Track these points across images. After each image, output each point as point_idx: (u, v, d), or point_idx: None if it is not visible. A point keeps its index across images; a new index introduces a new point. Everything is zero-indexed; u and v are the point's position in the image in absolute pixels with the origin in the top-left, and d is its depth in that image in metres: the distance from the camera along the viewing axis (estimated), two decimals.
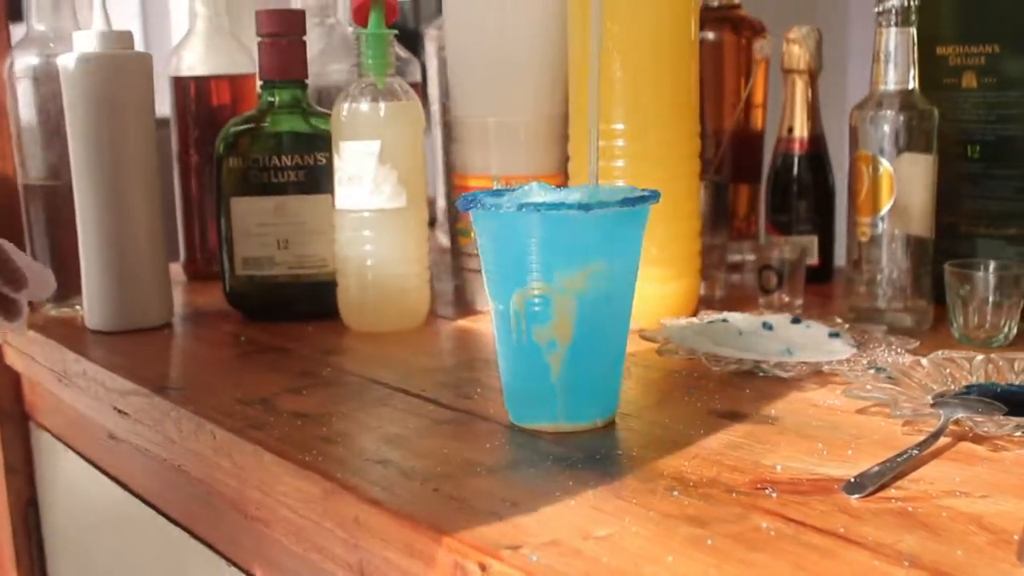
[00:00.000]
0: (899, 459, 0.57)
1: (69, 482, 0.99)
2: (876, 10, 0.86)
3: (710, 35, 1.09)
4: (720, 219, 1.02)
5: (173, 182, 1.17)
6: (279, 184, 0.95)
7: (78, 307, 1.00)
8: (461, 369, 0.80)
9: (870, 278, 0.88)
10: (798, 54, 1.04)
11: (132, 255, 0.93)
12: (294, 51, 0.96)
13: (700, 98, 0.94)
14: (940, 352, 0.74)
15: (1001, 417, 0.62)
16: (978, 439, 0.62)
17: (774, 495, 0.54)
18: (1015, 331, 0.83)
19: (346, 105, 0.90)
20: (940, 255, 0.89)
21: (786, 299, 0.95)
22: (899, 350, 0.76)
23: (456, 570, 0.50)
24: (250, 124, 0.96)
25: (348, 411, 0.70)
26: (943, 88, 0.91)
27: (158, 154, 0.96)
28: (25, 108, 1.00)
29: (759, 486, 0.56)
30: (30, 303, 1.01)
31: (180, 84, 1.16)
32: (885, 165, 0.86)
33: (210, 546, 0.76)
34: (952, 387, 0.70)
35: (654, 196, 0.64)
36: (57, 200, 1.00)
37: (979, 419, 0.61)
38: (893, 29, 0.86)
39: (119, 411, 0.81)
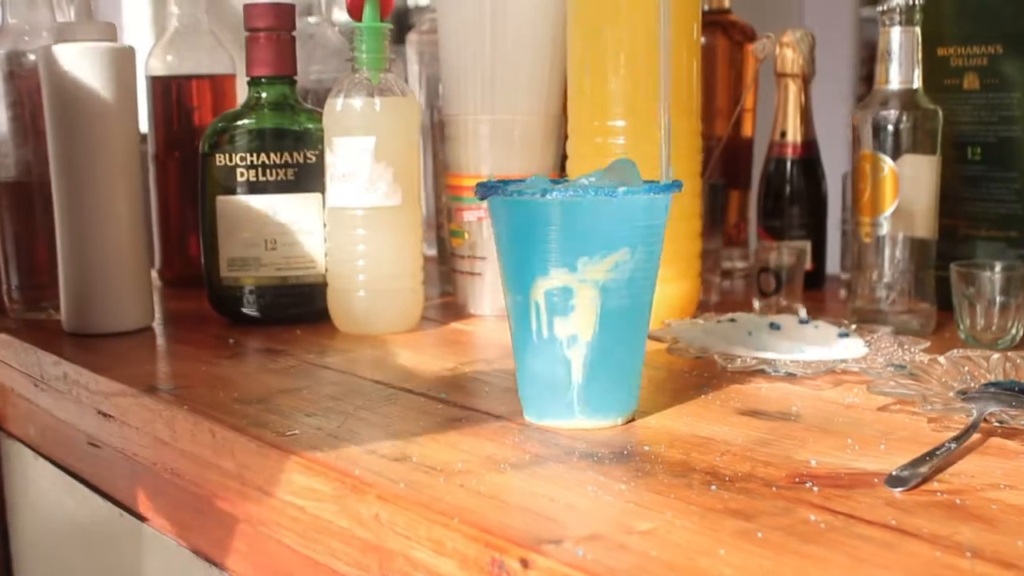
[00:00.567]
0: (938, 452, 0.55)
1: (42, 493, 0.95)
2: (879, 9, 0.85)
3: (701, 40, 1.08)
4: (715, 222, 1.01)
5: (149, 185, 1.14)
6: (267, 183, 0.92)
7: (51, 311, 0.96)
8: (464, 370, 0.78)
9: (873, 280, 0.87)
10: (792, 58, 1.04)
11: (113, 255, 0.89)
12: (283, 46, 0.93)
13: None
14: (955, 351, 0.72)
15: None
16: (1008, 434, 0.61)
17: (815, 489, 0.52)
18: (1022, 332, 0.82)
19: (340, 100, 0.87)
20: (939, 258, 0.88)
21: (784, 303, 0.94)
22: (912, 349, 0.75)
23: (495, 567, 0.47)
24: (237, 121, 0.93)
25: (354, 410, 0.67)
26: (944, 89, 0.91)
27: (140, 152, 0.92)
28: None
29: (797, 480, 0.54)
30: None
31: (157, 84, 1.12)
32: (889, 165, 0.85)
33: (203, 555, 0.73)
34: (972, 384, 0.68)
35: (677, 184, 0.62)
36: (30, 199, 0.96)
37: (1014, 412, 0.60)
38: (897, 28, 0.85)
39: (103, 414, 0.77)
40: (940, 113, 0.85)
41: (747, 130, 1.13)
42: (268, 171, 0.92)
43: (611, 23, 0.85)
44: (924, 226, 0.86)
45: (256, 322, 0.93)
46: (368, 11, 0.87)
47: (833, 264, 1.12)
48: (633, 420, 0.64)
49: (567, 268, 0.60)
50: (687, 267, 0.89)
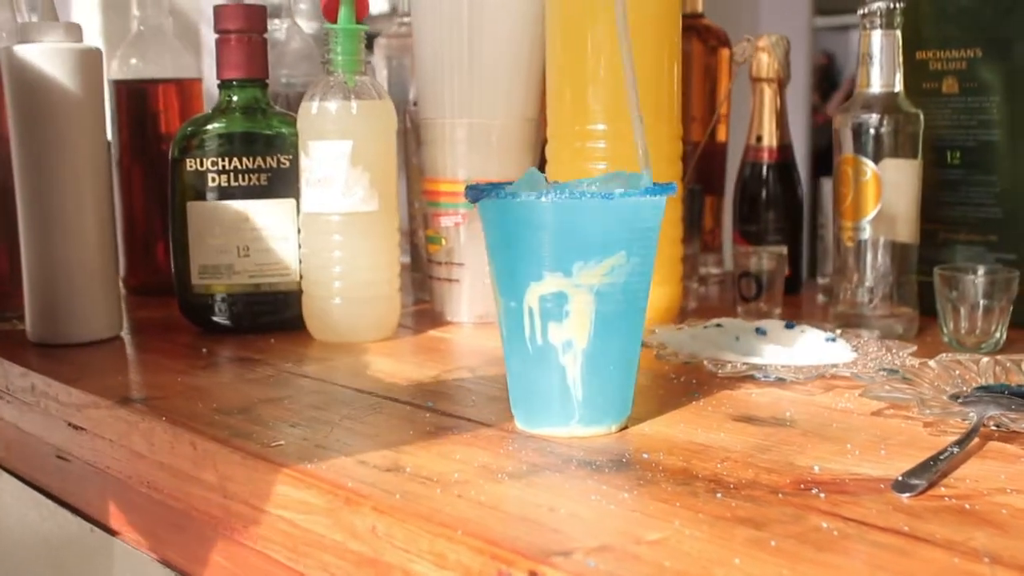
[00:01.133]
0: (942, 457, 0.55)
1: (5, 508, 0.92)
2: (860, 12, 0.85)
3: None
4: (694, 228, 1.00)
5: (113, 191, 1.11)
6: (239, 188, 0.89)
7: (16, 321, 0.93)
8: (446, 378, 0.76)
9: (855, 285, 0.87)
10: (767, 63, 1.03)
11: (80, 263, 0.87)
12: (254, 49, 0.91)
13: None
14: (945, 355, 0.72)
15: None
16: (1006, 438, 0.60)
17: (822, 495, 0.51)
18: (1005, 336, 0.82)
19: (315, 103, 0.85)
20: (920, 263, 0.87)
21: (764, 308, 0.93)
22: (900, 354, 0.74)
23: None
24: (207, 125, 0.90)
25: (339, 420, 0.65)
26: (923, 93, 0.90)
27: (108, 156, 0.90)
28: None
29: (803, 487, 0.53)
30: None
31: (121, 88, 1.10)
32: (871, 169, 0.85)
33: (180, 571, 0.70)
34: (964, 388, 0.68)
35: (671, 187, 0.61)
36: None
37: (1014, 416, 0.59)
38: (878, 31, 0.84)
39: (74, 426, 0.75)
40: (921, 117, 0.85)
41: (721, 135, 1.12)
42: (240, 176, 0.89)
43: (591, 26, 0.84)
44: (906, 230, 0.86)
45: (228, 331, 0.91)
46: (343, 13, 0.85)
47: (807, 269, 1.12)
48: (626, 427, 0.63)
49: (562, 273, 0.58)
50: (670, 273, 0.88)
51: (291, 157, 0.89)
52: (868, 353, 0.75)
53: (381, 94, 0.87)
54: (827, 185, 1.01)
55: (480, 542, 0.46)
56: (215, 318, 0.91)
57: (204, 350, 0.85)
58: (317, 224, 0.86)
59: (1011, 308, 0.81)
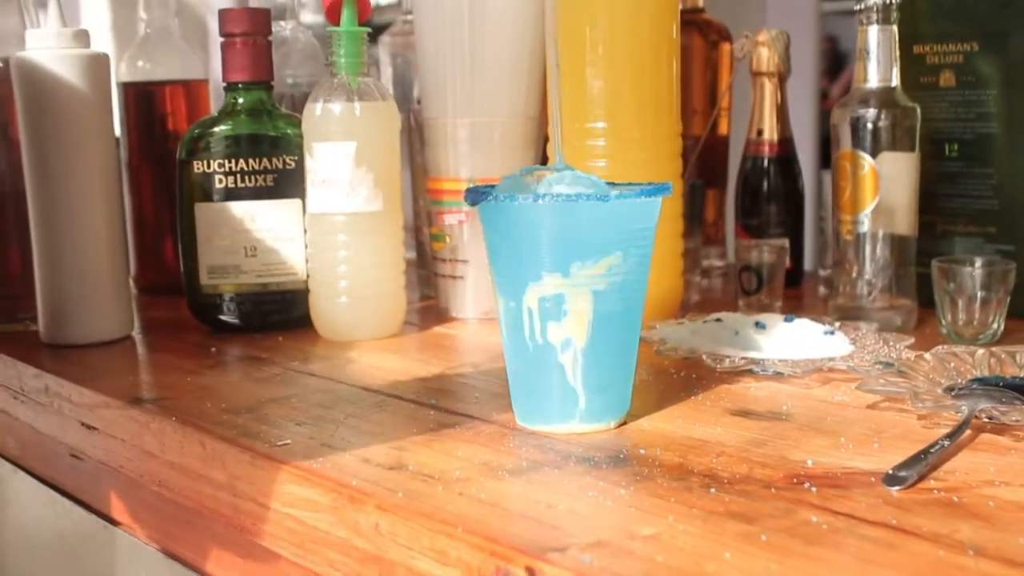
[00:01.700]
0: (932, 450, 0.56)
1: (23, 506, 0.94)
2: (857, 7, 0.86)
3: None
4: (695, 222, 1.01)
5: (123, 193, 1.12)
6: (245, 189, 0.91)
7: (28, 322, 0.95)
8: (451, 374, 0.77)
9: (854, 278, 0.88)
10: (767, 57, 1.04)
11: (92, 264, 0.88)
12: (259, 52, 0.92)
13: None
14: (941, 347, 0.73)
15: None
16: (997, 430, 0.61)
17: (814, 489, 0.53)
18: (1003, 327, 0.83)
19: (319, 104, 0.87)
20: (918, 255, 0.88)
21: (765, 301, 0.94)
22: (897, 346, 0.76)
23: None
24: (213, 127, 0.92)
25: (344, 418, 0.67)
26: (920, 87, 0.91)
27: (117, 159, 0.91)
28: None
29: (795, 481, 0.54)
30: None
31: (129, 90, 1.11)
32: (869, 163, 0.86)
33: (191, 567, 0.72)
34: (959, 380, 0.69)
35: (667, 187, 0.62)
36: (3, 209, 0.95)
37: (1004, 408, 0.60)
38: (875, 26, 0.85)
39: (87, 426, 0.76)
40: (919, 110, 0.86)
41: (723, 128, 1.13)
42: (246, 177, 0.91)
43: (590, 25, 0.85)
44: (904, 223, 0.87)
45: (237, 329, 0.92)
46: (346, 15, 0.86)
47: (810, 262, 1.12)
48: (625, 423, 0.64)
49: (560, 273, 0.60)
50: (671, 268, 0.89)
51: (297, 158, 0.91)
52: (866, 346, 0.76)
53: (384, 95, 0.88)
54: (829, 178, 1.02)
55: (479, 539, 0.48)
56: (224, 317, 0.92)
57: (213, 349, 0.87)
58: (322, 224, 0.88)
59: (1008, 299, 0.82)
